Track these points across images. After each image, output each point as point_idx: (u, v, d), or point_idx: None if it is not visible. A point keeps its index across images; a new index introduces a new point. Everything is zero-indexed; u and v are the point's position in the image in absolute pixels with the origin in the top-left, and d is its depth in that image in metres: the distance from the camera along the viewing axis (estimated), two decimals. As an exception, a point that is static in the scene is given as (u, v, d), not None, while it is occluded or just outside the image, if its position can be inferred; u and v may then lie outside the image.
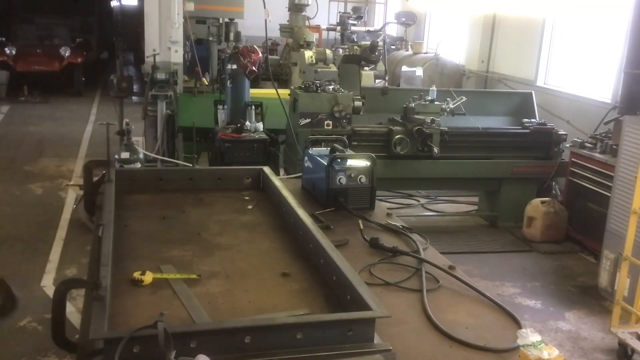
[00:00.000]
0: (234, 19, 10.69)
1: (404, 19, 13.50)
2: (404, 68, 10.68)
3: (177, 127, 7.73)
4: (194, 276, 2.42)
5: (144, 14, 8.49)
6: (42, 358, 4.19)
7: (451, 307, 2.46)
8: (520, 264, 6.34)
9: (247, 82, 7.09)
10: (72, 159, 9.27)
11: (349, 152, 3.84)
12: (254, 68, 6.83)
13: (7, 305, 2.34)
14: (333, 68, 9.19)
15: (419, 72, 10.38)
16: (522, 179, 7.18)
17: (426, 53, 11.83)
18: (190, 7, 8.88)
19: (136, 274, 2.37)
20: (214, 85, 8.98)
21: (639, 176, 4.49)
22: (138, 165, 6.40)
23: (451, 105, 6.99)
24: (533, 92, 8.12)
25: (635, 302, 4.54)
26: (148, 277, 2.37)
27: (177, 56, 8.42)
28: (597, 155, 6.39)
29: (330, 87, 6.86)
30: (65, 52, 14.52)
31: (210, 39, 10.33)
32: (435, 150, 6.70)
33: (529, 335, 2.00)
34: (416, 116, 6.81)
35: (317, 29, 13.51)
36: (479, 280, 5.46)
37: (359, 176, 3.59)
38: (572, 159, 6.74)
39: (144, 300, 2.26)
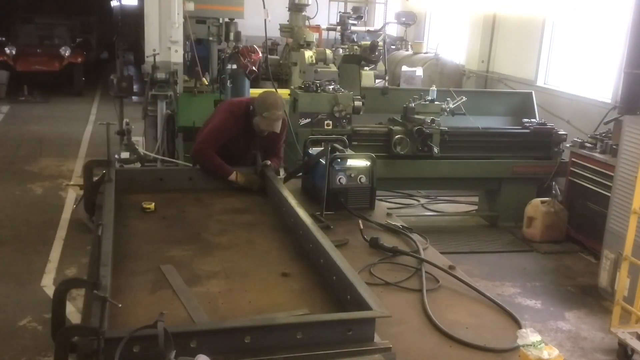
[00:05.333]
0: (234, 19, 10.67)
1: (404, 19, 13.49)
2: (404, 68, 10.66)
3: (177, 127, 7.72)
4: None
5: (144, 14, 8.48)
6: (42, 358, 4.19)
7: (451, 307, 2.46)
8: (520, 264, 6.34)
9: (247, 82, 7.08)
10: (72, 158, 9.26)
11: (349, 152, 3.84)
12: (254, 68, 6.84)
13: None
14: (333, 68, 9.17)
15: (419, 72, 10.37)
16: (522, 179, 7.17)
17: (426, 53, 11.81)
18: (190, 7, 8.85)
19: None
20: (214, 85, 8.95)
21: (639, 176, 4.49)
22: (138, 164, 6.39)
23: (451, 105, 6.98)
24: (533, 92, 8.12)
25: (635, 302, 4.54)
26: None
27: (177, 56, 8.40)
28: (597, 155, 6.38)
29: (330, 87, 6.85)
30: (65, 52, 14.51)
31: (210, 39, 10.30)
32: (435, 150, 6.69)
33: (529, 335, 2.01)
34: (416, 116, 6.80)
35: (317, 29, 13.50)
36: (479, 280, 5.46)
37: (359, 176, 3.60)
38: (572, 159, 6.73)
39: (144, 300, 2.26)
